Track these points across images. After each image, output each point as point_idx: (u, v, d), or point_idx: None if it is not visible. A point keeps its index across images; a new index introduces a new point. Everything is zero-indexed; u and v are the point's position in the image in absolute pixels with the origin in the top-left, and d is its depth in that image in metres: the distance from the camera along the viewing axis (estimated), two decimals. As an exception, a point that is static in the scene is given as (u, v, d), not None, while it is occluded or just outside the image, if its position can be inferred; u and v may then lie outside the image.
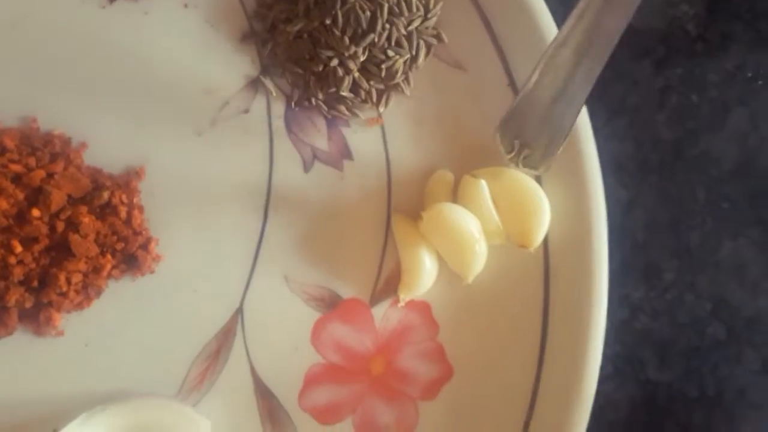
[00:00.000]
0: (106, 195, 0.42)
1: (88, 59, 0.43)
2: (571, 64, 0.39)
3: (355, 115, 0.45)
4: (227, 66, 0.44)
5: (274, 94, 0.44)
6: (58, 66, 0.43)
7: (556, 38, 0.39)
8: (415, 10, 0.44)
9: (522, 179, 0.43)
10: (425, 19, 0.44)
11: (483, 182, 0.42)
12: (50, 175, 0.42)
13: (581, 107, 0.40)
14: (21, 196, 0.41)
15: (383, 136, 0.45)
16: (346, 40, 0.43)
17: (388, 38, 0.43)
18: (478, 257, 0.42)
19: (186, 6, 0.44)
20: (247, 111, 0.44)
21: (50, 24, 0.43)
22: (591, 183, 0.43)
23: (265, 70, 0.45)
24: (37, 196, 0.41)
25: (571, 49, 0.39)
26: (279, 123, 0.45)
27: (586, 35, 0.38)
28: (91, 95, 0.43)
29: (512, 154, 0.41)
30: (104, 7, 0.44)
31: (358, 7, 0.43)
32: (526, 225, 0.42)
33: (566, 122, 0.40)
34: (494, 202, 0.42)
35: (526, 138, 0.40)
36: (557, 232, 0.43)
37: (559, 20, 0.42)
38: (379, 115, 0.45)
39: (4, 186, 0.40)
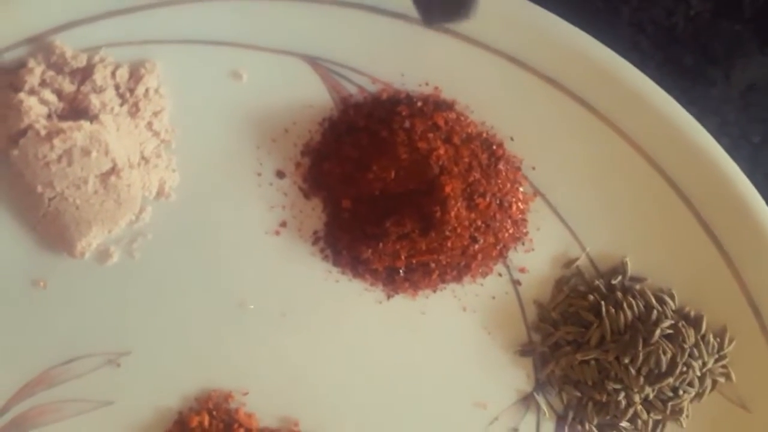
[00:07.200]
0: None
1: (362, 356, 0.40)
2: None
3: (625, 441, 0.41)
4: (500, 378, 0.41)
5: (547, 414, 0.41)
6: (327, 360, 0.40)
7: None
8: (711, 351, 0.41)
9: None
10: (718, 358, 0.41)
11: None
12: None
13: None
14: None
15: (652, 467, 0.42)
16: (641, 379, 0.40)
17: (682, 380, 0.40)
18: None
19: (464, 309, 0.41)
20: (515, 431, 0.41)
21: (323, 315, 0.40)
22: None
23: (539, 387, 0.41)
24: None
25: None
26: (547, 443, 0.41)
27: None
28: (356, 397, 0.40)
29: None
30: (381, 303, 0.41)
31: (660, 350, 0.40)
32: None
33: None
34: None
35: None
36: None
37: None
38: (650, 444, 0.42)
39: None
